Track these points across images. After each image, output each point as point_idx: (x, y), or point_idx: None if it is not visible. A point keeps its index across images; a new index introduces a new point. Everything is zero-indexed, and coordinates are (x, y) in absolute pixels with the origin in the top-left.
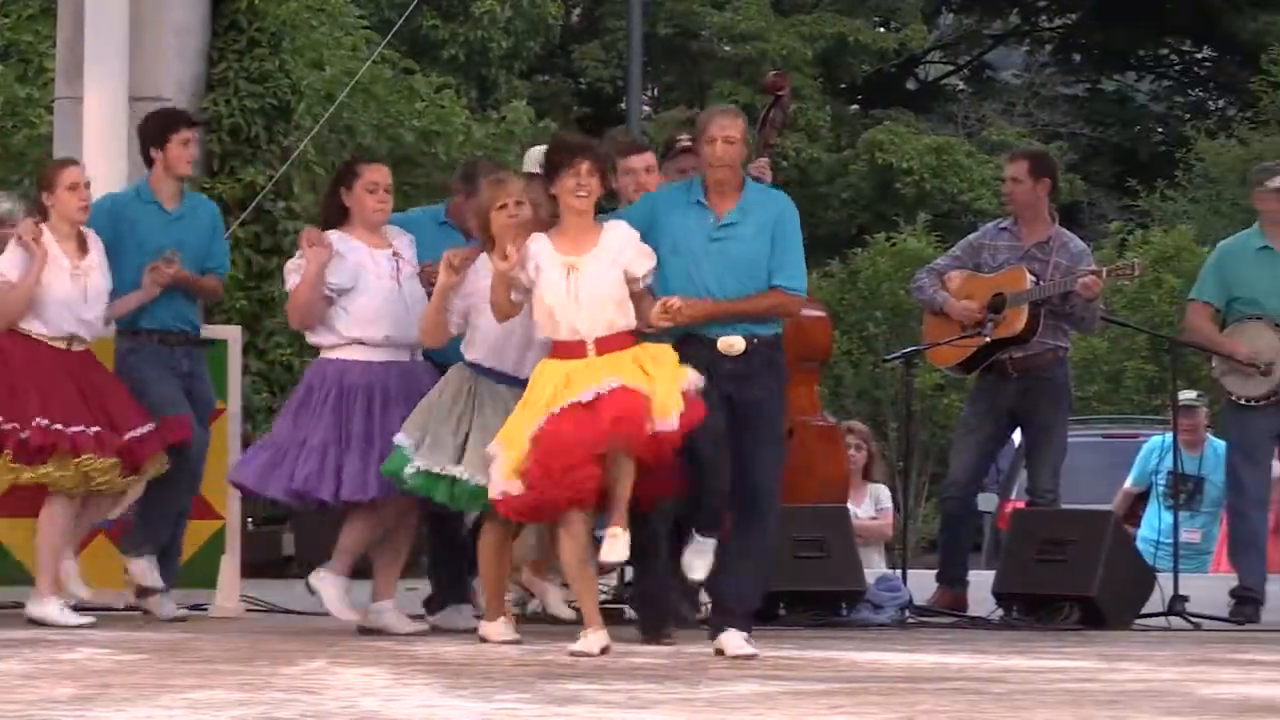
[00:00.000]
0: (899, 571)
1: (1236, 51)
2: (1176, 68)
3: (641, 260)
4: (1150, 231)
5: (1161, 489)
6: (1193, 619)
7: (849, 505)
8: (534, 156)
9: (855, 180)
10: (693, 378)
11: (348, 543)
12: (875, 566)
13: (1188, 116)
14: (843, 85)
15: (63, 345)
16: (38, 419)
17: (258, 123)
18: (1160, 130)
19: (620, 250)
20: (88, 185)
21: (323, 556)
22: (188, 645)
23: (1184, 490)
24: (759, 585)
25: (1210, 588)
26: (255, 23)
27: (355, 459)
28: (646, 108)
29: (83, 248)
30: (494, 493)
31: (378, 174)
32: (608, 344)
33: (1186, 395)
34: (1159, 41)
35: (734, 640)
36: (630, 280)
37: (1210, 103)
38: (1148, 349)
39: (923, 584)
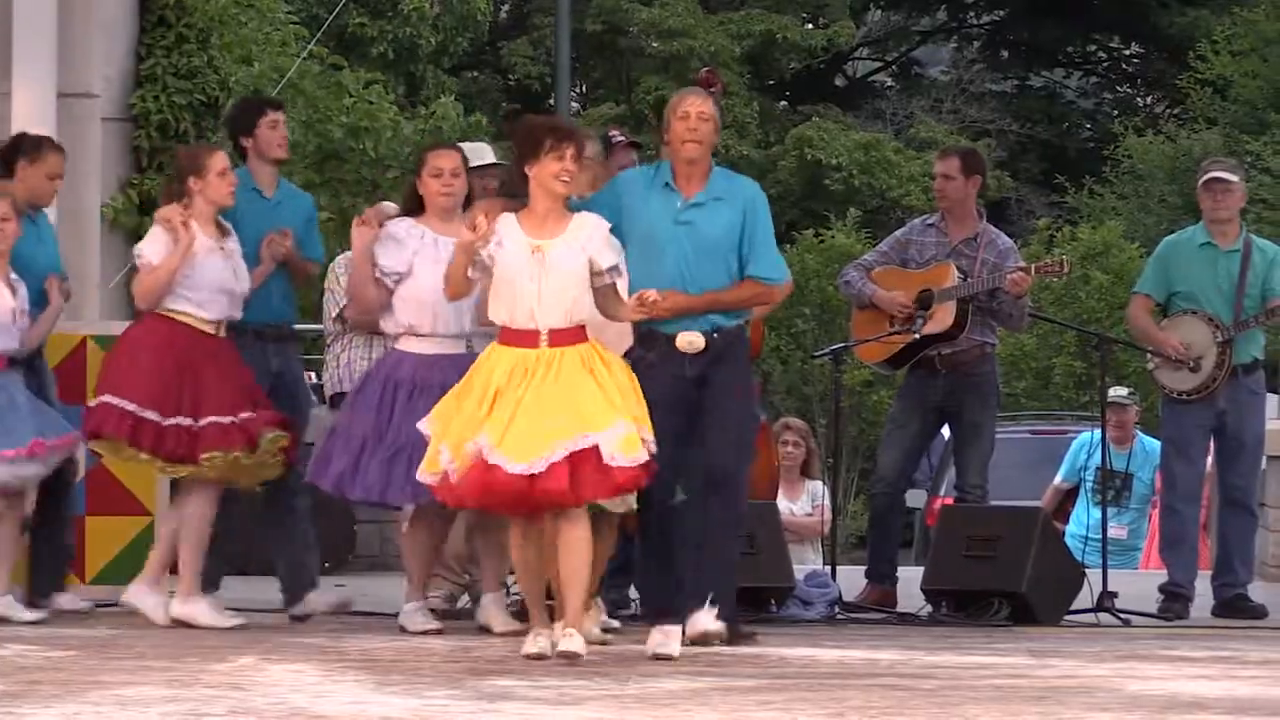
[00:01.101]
0: (828, 567)
1: (1164, 48)
2: (1104, 64)
3: (608, 253)
4: (1078, 228)
5: (1090, 485)
6: (1122, 615)
7: (786, 501)
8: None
9: (784, 177)
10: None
11: (410, 566)
12: (810, 563)
13: (1116, 113)
14: (771, 82)
15: (212, 330)
16: (177, 419)
17: (186, 119)
18: (1088, 127)
19: (589, 238)
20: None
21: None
22: (117, 642)
23: (1112, 487)
24: (726, 572)
25: (1139, 584)
26: (184, 18)
27: (379, 462)
28: (575, 104)
29: (223, 232)
30: (428, 479)
31: (443, 159)
32: (561, 337)
33: (1117, 392)
34: (1087, 38)
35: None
36: (594, 272)
37: (1138, 99)
38: (1076, 346)
39: (852, 580)
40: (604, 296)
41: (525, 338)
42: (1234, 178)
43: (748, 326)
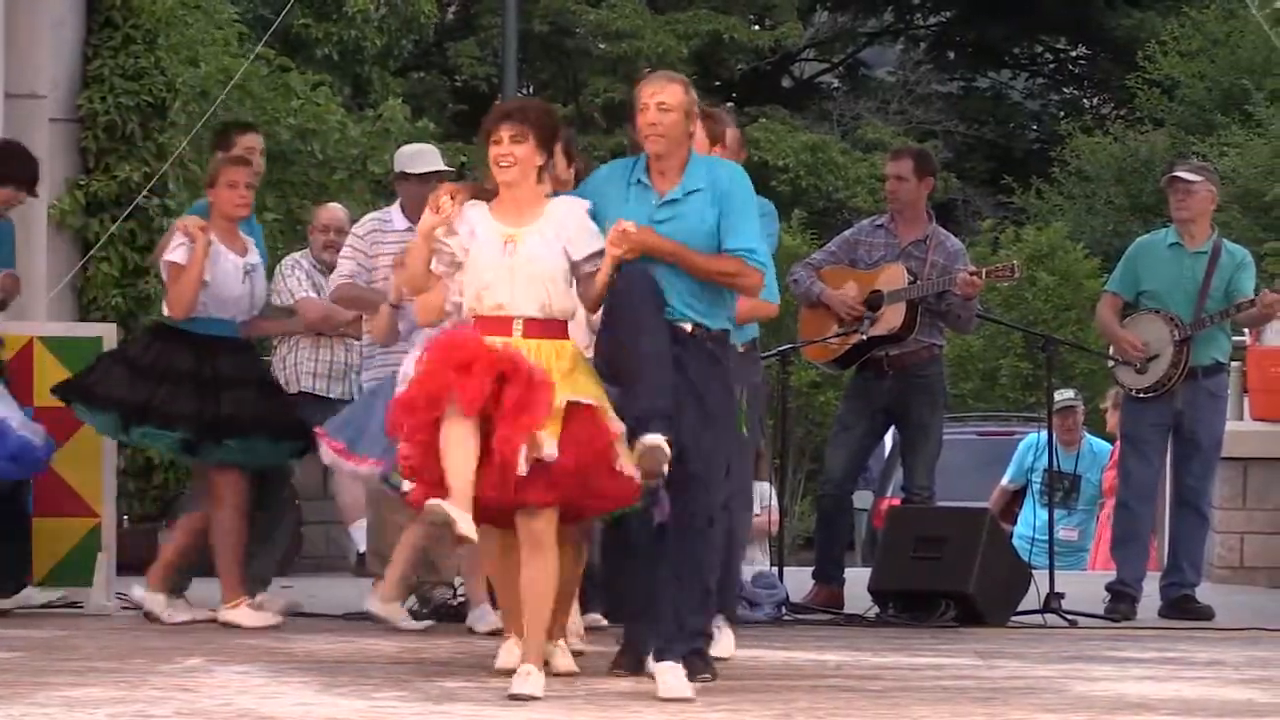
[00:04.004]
0: (775, 568)
1: (1110, 49)
2: (1051, 65)
3: (585, 239)
4: (1024, 229)
5: (1038, 486)
6: (1068, 616)
7: None
8: (401, 159)
9: None
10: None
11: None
12: (757, 564)
13: (1062, 114)
14: (718, 83)
15: None
16: None
17: (133, 120)
18: (1034, 127)
19: (563, 224)
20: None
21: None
22: (64, 643)
23: (1060, 488)
24: (697, 604)
25: (1087, 585)
26: (130, 19)
27: None
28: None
29: None
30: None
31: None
32: (536, 328)
33: (1064, 395)
34: (1033, 39)
35: (668, 679)
36: (574, 262)
37: (1084, 100)
38: (1022, 347)
39: (799, 581)
40: (586, 285)
41: (496, 325)
42: (1196, 178)
43: (730, 337)
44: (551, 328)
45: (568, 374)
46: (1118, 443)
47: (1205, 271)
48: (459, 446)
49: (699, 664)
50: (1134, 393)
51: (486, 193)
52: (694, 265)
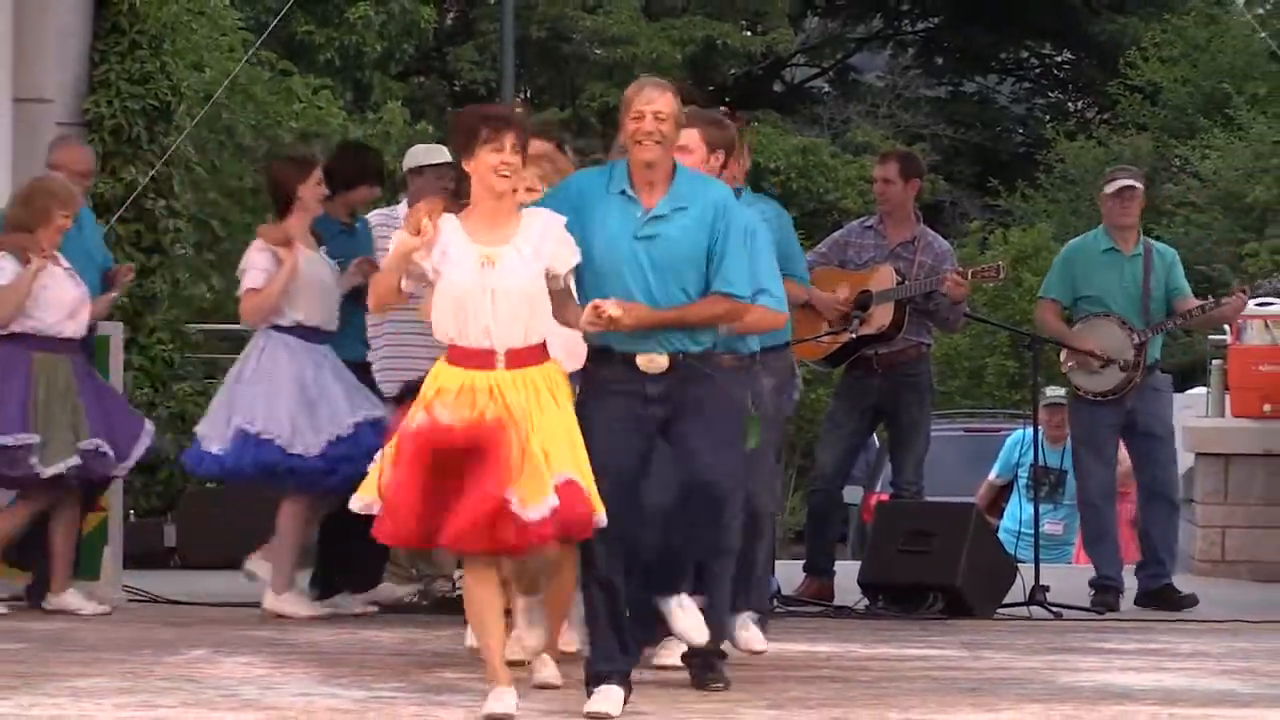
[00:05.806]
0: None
1: (1094, 54)
2: (1036, 70)
3: (565, 254)
4: (1010, 231)
5: (1024, 482)
6: (1053, 608)
7: None
8: (415, 155)
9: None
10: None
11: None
12: None
13: (1047, 118)
14: (711, 87)
15: None
16: None
17: (139, 123)
18: (1020, 131)
19: (541, 240)
20: None
21: (205, 548)
22: (71, 635)
23: (1046, 483)
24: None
25: (1072, 578)
26: (137, 25)
27: None
28: (519, 109)
29: None
30: (357, 505)
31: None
32: (519, 357)
33: (1054, 391)
34: (1019, 44)
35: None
36: (550, 277)
37: (1069, 104)
38: (1008, 345)
39: (790, 574)
40: (557, 299)
41: (479, 358)
42: (1141, 185)
43: (717, 355)
44: (532, 354)
45: (545, 414)
46: None
47: (1143, 274)
48: (486, 610)
49: (711, 672)
50: (1092, 396)
51: (456, 205)
52: (691, 320)
